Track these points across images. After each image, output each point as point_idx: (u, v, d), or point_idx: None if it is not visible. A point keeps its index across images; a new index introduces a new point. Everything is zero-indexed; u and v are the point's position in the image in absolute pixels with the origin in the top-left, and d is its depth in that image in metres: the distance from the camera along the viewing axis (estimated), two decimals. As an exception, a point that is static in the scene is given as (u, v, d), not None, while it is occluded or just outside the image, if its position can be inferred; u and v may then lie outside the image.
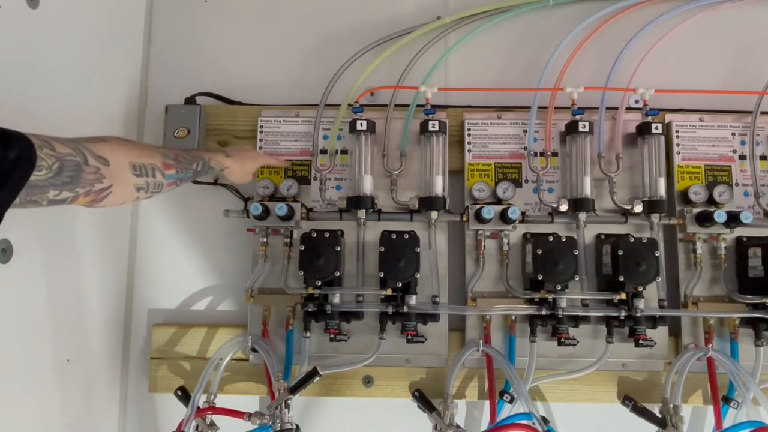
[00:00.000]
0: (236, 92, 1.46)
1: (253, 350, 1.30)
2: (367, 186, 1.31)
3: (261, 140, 1.38)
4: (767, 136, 1.35)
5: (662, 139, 1.32)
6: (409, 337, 1.25)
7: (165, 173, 0.98)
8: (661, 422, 1.21)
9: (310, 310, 1.25)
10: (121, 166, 0.88)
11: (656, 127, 1.30)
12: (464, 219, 1.32)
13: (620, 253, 1.21)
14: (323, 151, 1.37)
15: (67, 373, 1.20)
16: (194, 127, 1.36)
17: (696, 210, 1.30)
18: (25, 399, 1.08)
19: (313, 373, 1.19)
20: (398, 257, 1.22)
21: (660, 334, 1.28)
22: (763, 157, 1.35)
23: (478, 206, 1.29)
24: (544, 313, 1.24)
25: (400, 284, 1.23)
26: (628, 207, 1.30)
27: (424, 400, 1.26)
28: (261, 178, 1.34)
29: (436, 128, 1.30)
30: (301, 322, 1.28)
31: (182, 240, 1.43)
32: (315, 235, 1.25)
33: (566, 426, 1.32)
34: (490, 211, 1.26)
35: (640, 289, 1.23)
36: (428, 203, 1.29)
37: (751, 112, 1.35)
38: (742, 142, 1.36)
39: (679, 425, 1.20)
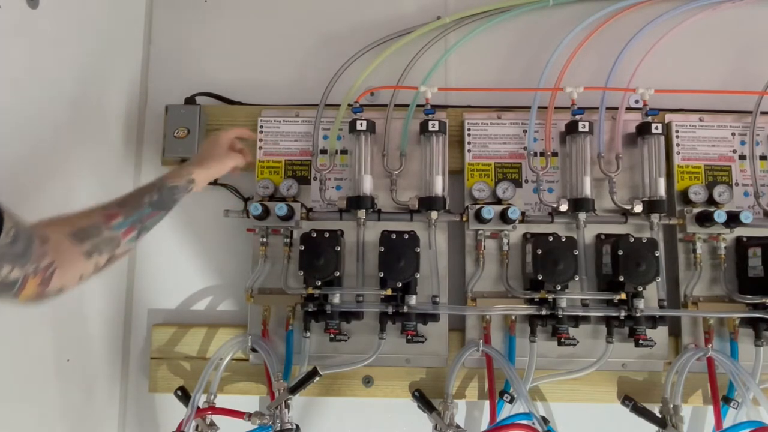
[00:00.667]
0: (236, 92, 1.46)
1: (253, 350, 1.30)
2: (367, 186, 1.31)
3: (261, 140, 1.38)
4: (767, 136, 1.35)
5: (662, 139, 1.32)
6: (409, 337, 1.25)
7: (111, 224, 0.87)
8: (661, 422, 1.21)
9: (310, 310, 1.25)
10: (60, 239, 0.79)
11: (656, 127, 1.30)
12: (464, 219, 1.32)
13: (620, 253, 1.21)
14: (323, 151, 1.37)
15: (67, 373, 1.20)
16: (194, 127, 1.36)
17: (696, 210, 1.30)
18: (25, 399, 1.08)
19: (313, 373, 1.19)
20: (398, 257, 1.22)
21: (660, 334, 1.28)
22: (763, 157, 1.35)
23: (478, 206, 1.29)
24: (544, 313, 1.24)
25: (400, 284, 1.23)
26: (628, 207, 1.30)
27: (424, 400, 1.26)
28: (261, 178, 1.34)
29: (436, 128, 1.30)
30: (301, 322, 1.28)
31: (182, 240, 1.43)
32: (315, 235, 1.25)
33: (566, 426, 1.32)
34: (490, 211, 1.26)
35: (640, 289, 1.23)
36: (428, 203, 1.29)
37: (751, 112, 1.35)
38: (742, 142, 1.36)
39: (679, 425, 1.20)
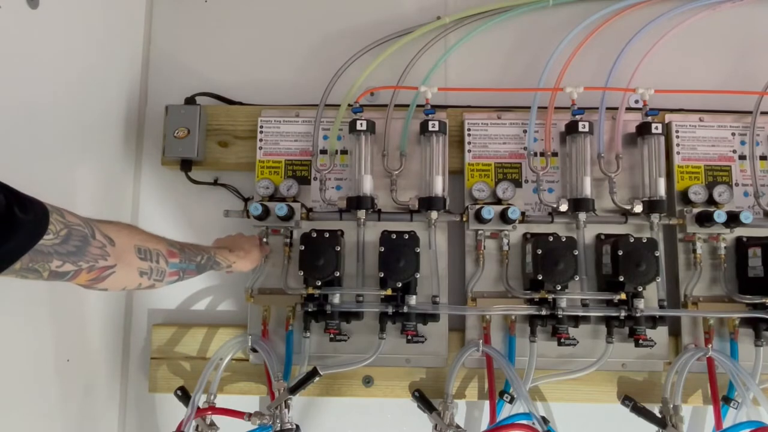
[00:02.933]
0: (236, 92, 1.46)
1: (253, 350, 1.30)
2: (367, 186, 1.31)
3: (261, 140, 1.38)
4: (767, 136, 1.35)
5: (662, 139, 1.32)
6: (409, 337, 1.25)
7: (169, 261, 0.95)
8: (661, 422, 1.21)
9: (310, 310, 1.25)
10: (126, 247, 0.85)
11: (656, 127, 1.30)
12: (464, 219, 1.32)
13: (620, 253, 1.21)
14: (323, 151, 1.37)
15: (67, 373, 1.20)
16: (194, 127, 1.36)
17: (696, 210, 1.30)
18: (25, 399, 1.08)
19: (313, 373, 1.19)
20: (398, 257, 1.22)
21: (660, 334, 1.28)
22: (763, 157, 1.35)
23: (478, 206, 1.29)
24: (544, 313, 1.24)
25: (400, 284, 1.23)
26: (628, 207, 1.30)
27: (424, 400, 1.26)
28: (261, 178, 1.34)
29: (436, 128, 1.30)
30: (301, 322, 1.28)
31: (182, 240, 1.42)
32: (315, 235, 1.25)
33: (566, 426, 1.32)
34: (490, 211, 1.26)
35: (640, 289, 1.23)
36: (428, 203, 1.29)
37: (751, 112, 1.35)
38: (742, 142, 1.36)
39: (679, 425, 1.20)
